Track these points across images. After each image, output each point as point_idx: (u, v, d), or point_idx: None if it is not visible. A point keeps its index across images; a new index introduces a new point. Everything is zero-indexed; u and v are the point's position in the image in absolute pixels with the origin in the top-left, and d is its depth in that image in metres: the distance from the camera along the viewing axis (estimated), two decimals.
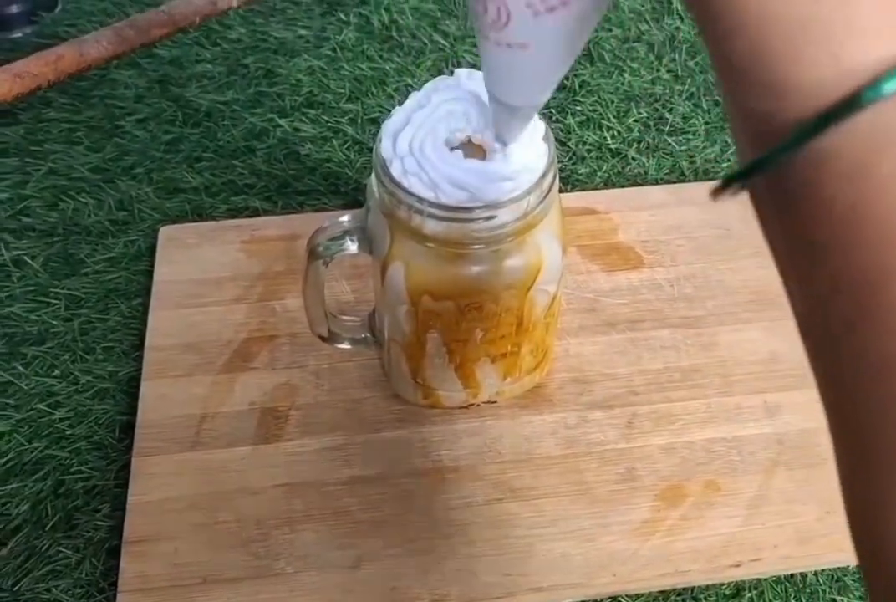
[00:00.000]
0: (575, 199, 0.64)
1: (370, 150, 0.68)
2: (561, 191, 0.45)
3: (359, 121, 0.70)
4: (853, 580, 0.49)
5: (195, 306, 0.58)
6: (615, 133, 0.69)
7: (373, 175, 0.43)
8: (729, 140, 0.68)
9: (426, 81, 0.42)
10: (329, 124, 0.70)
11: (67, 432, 0.53)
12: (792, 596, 0.48)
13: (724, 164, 0.67)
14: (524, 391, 0.54)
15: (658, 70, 0.74)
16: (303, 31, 0.76)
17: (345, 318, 0.53)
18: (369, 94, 0.72)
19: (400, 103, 0.42)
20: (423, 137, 0.40)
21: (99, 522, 0.50)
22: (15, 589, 0.48)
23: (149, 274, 0.60)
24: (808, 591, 0.48)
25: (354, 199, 0.65)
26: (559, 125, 0.70)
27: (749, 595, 0.48)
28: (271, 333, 0.57)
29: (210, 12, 0.70)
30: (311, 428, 0.53)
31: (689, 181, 0.66)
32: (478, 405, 0.53)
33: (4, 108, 0.67)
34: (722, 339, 0.57)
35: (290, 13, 0.78)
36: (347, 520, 0.50)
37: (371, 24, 0.77)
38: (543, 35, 0.25)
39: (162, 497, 0.50)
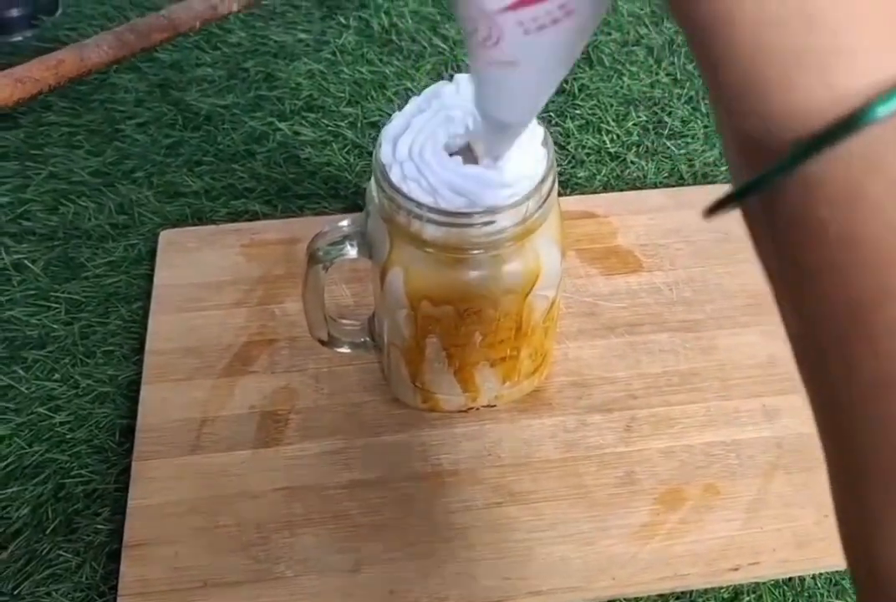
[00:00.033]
0: (574, 202, 0.64)
1: (370, 153, 0.68)
2: (560, 194, 0.45)
3: (358, 124, 0.70)
4: (851, 584, 0.49)
5: (195, 310, 0.58)
6: (614, 137, 0.70)
7: (372, 180, 0.43)
8: None
9: (426, 85, 0.43)
10: (329, 128, 0.70)
11: (68, 436, 0.53)
12: (790, 599, 0.48)
13: (723, 168, 0.68)
14: (523, 395, 0.54)
15: (657, 74, 0.74)
16: (303, 35, 0.77)
17: (344, 322, 0.53)
18: (369, 97, 0.72)
19: (400, 107, 0.42)
20: (423, 143, 0.40)
21: (99, 526, 0.50)
22: (15, 592, 0.48)
23: (149, 278, 0.60)
24: (806, 594, 0.49)
25: (354, 202, 0.65)
26: (558, 129, 0.70)
27: (747, 598, 0.48)
28: (271, 337, 0.57)
29: (210, 17, 0.70)
30: (311, 431, 0.53)
31: (688, 185, 0.67)
32: (477, 409, 0.54)
33: (5, 112, 0.67)
34: (721, 342, 0.57)
35: (290, 17, 0.78)
36: (347, 523, 0.50)
37: (371, 27, 0.77)
38: (534, 53, 0.25)
39: (162, 501, 0.50)
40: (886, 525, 0.22)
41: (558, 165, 0.65)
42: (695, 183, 0.67)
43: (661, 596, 0.48)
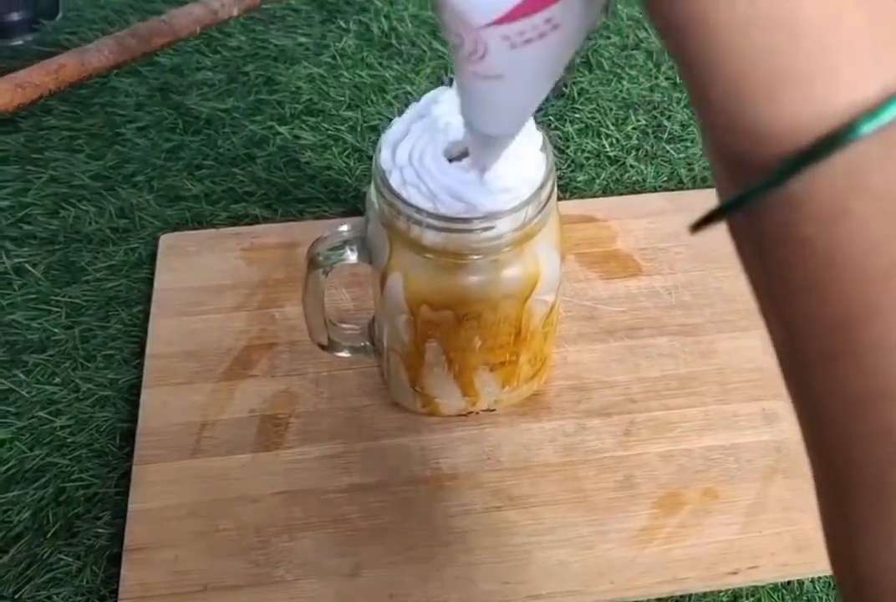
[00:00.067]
0: (573, 206, 0.64)
1: (370, 157, 0.68)
2: (559, 198, 0.45)
3: (358, 128, 0.70)
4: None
5: (196, 314, 0.58)
6: (614, 140, 0.70)
7: (372, 185, 0.43)
8: None
9: (426, 89, 0.43)
10: (329, 132, 0.70)
11: (68, 440, 0.54)
12: None
13: None
14: (522, 399, 0.54)
15: (656, 78, 0.74)
16: (303, 39, 0.77)
17: (344, 326, 0.53)
18: (369, 101, 0.72)
19: (399, 111, 0.43)
20: (423, 148, 0.41)
21: (100, 530, 0.50)
22: (16, 596, 0.48)
23: (149, 282, 0.60)
24: (804, 598, 0.49)
25: (354, 206, 0.65)
26: (558, 133, 0.70)
27: None
28: (271, 341, 0.57)
29: (211, 22, 0.70)
30: (311, 435, 0.53)
31: (688, 189, 0.67)
32: (476, 413, 0.54)
33: (5, 116, 0.67)
34: (720, 346, 0.57)
35: (290, 21, 0.78)
36: (347, 527, 0.50)
37: (371, 31, 0.77)
38: (520, 67, 0.25)
39: (162, 505, 0.50)
40: (870, 541, 0.22)
41: (557, 169, 0.65)
42: (694, 187, 0.67)
43: (660, 600, 0.48)
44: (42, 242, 0.63)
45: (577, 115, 0.71)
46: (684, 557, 0.49)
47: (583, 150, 0.69)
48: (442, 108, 0.41)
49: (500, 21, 0.23)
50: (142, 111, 0.71)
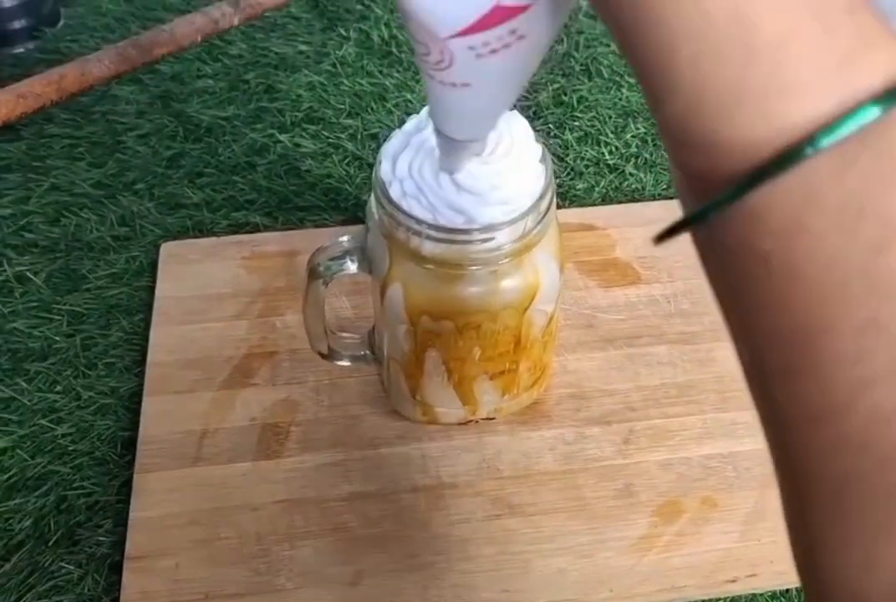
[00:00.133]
0: (573, 215, 0.65)
1: (370, 165, 0.68)
2: (559, 206, 0.46)
3: (359, 136, 0.70)
4: None
5: (196, 322, 0.59)
6: (613, 148, 0.70)
7: (372, 196, 0.43)
8: None
9: (426, 97, 0.43)
10: (329, 140, 0.70)
11: (70, 448, 0.54)
12: None
13: None
14: (522, 407, 0.55)
15: None
16: (303, 47, 0.77)
17: (344, 335, 0.53)
18: (369, 109, 0.72)
19: (400, 119, 0.43)
20: (422, 160, 0.41)
21: (101, 538, 0.50)
22: None
23: (150, 290, 0.61)
24: None
25: (354, 214, 0.65)
26: (557, 141, 0.70)
27: None
28: (272, 349, 0.58)
29: (212, 31, 0.70)
30: (311, 444, 0.53)
31: None
32: (476, 421, 0.54)
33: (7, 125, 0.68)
34: (718, 354, 0.57)
35: (291, 29, 0.79)
36: (347, 536, 0.50)
37: (371, 39, 0.78)
38: (486, 76, 0.25)
39: (163, 513, 0.51)
40: (829, 555, 0.22)
41: (557, 177, 0.65)
42: None
43: None
44: (43, 250, 0.63)
45: (576, 123, 0.71)
46: (683, 565, 0.49)
47: (582, 158, 0.69)
48: None
49: (466, 32, 0.23)
50: (142, 119, 0.72)
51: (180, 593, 0.48)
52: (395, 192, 0.41)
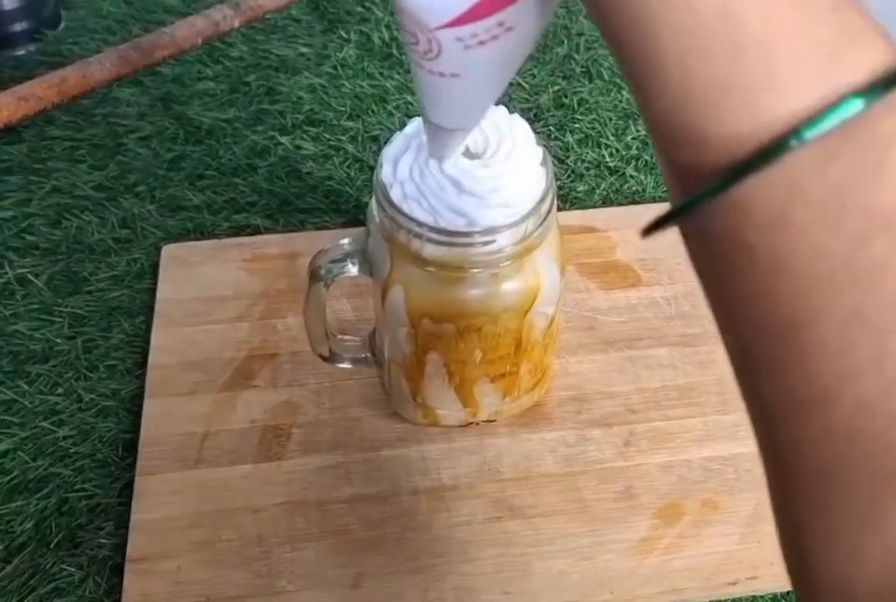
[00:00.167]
0: (573, 217, 0.65)
1: (371, 167, 0.68)
2: (560, 208, 0.46)
3: (359, 138, 0.71)
4: None
5: (197, 324, 0.59)
6: (613, 151, 0.70)
7: (373, 199, 0.43)
8: None
9: None
10: (330, 142, 0.70)
11: (71, 450, 0.54)
12: None
13: None
14: (523, 410, 0.55)
15: None
16: (304, 49, 0.77)
17: (345, 337, 0.53)
18: (370, 111, 0.72)
19: (400, 120, 0.43)
20: (423, 164, 0.41)
21: (102, 540, 0.51)
22: None
23: (151, 292, 0.61)
24: None
25: (355, 217, 0.66)
26: (558, 143, 0.70)
27: None
28: (273, 352, 0.58)
29: (212, 33, 0.71)
30: (312, 446, 0.54)
31: None
32: (477, 424, 0.54)
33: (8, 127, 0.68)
34: (719, 356, 0.57)
35: (292, 31, 0.79)
36: (348, 538, 0.50)
37: (372, 41, 0.78)
38: (475, 66, 0.26)
39: (165, 515, 0.51)
40: (815, 547, 0.23)
41: (557, 180, 0.65)
42: None
43: None
44: (44, 253, 0.63)
45: (577, 126, 0.71)
46: (684, 568, 0.49)
47: (583, 161, 0.69)
48: None
49: (453, 23, 0.23)
50: (143, 121, 0.72)
51: (181, 595, 0.48)
52: (396, 195, 0.41)
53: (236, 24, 0.73)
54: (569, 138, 0.71)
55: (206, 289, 0.60)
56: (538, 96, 0.74)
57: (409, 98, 0.73)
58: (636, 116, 0.72)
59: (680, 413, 0.55)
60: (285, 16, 0.80)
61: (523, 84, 0.74)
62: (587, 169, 0.69)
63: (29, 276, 0.62)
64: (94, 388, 0.56)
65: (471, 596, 0.48)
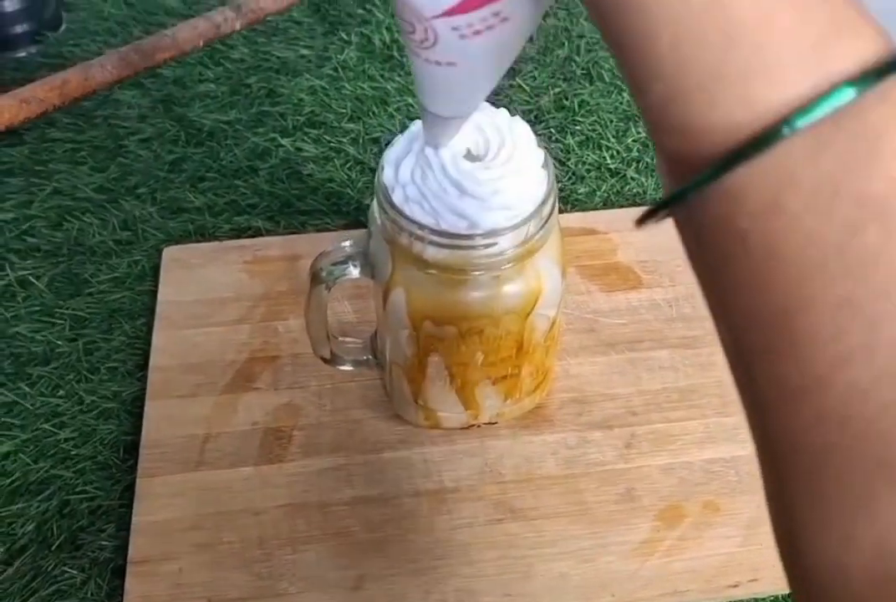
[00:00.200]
0: (574, 219, 0.65)
1: (372, 169, 0.68)
2: (561, 211, 0.46)
3: (360, 140, 0.71)
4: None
5: (199, 326, 0.59)
6: (614, 153, 0.70)
7: (375, 201, 0.43)
8: None
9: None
10: (331, 144, 0.70)
11: (72, 452, 0.54)
12: None
13: None
14: (524, 412, 0.55)
15: None
16: (305, 51, 0.77)
17: (347, 340, 0.53)
18: (371, 113, 0.72)
19: (401, 123, 0.43)
20: (425, 166, 0.41)
21: (104, 542, 0.51)
22: None
23: (153, 294, 0.61)
24: None
25: (356, 218, 0.66)
26: (559, 145, 0.70)
27: None
28: (274, 354, 0.58)
29: (214, 35, 0.70)
30: (314, 448, 0.54)
31: None
32: (478, 426, 0.54)
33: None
34: (720, 359, 0.57)
35: (292, 33, 0.79)
36: (349, 540, 0.50)
37: (372, 43, 0.78)
38: (471, 55, 0.26)
39: (166, 517, 0.51)
40: (809, 534, 0.23)
41: (559, 182, 0.65)
42: None
43: None
44: (46, 255, 0.63)
45: (577, 128, 0.72)
46: (685, 570, 0.49)
47: (584, 163, 0.69)
48: None
49: (450, 13, 0.24)
50: (145, 123, 0.72)
51: (183, 598, 0.48)
52: (397, 198, 0.41)
53: (237, 26, 0.73)
54: (570, 140, 0.71)
55: (208, 291, 0.60)
56: (539, 98, 0.74)
57: (410, 100, 0.73)
58: (637, 118, 0.72)
59: (681, 415, 0.55)
60: (286, 18, 0.80)
61: (524, 86, 0.74)
62: (588, 171, 0.69)
63: (30, 278, 0.62)
64: (96, 390, 0.56)
65: (472, 598, 0.48)
